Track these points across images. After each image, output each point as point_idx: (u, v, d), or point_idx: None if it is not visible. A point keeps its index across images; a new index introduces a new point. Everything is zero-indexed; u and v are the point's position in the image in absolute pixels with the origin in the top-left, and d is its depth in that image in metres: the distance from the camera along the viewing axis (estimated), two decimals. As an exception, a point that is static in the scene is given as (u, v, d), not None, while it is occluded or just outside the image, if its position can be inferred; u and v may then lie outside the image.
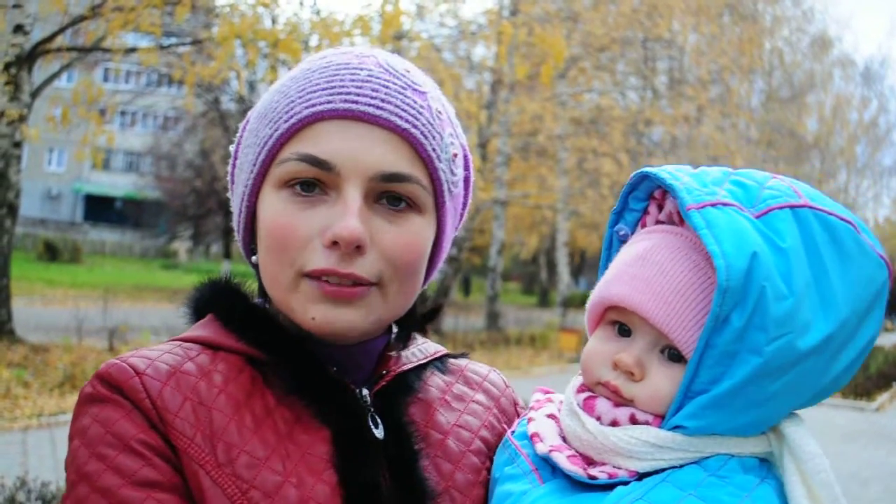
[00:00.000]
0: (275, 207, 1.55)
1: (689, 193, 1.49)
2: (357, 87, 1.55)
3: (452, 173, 1.64)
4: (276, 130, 1.56)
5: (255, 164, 1.60)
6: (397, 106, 1.55)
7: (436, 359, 1.82)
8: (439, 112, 1.63)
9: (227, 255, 46.36)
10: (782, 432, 1.52)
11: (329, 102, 1.53)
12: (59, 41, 19.92)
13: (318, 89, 1.56)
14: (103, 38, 19.79)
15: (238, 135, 1.72)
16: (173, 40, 23.96)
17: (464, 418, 1.75)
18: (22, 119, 18.71)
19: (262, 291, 1.69)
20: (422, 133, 1.56)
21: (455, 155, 1.65)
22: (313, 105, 1.54)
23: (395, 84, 1.58)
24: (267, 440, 1.50)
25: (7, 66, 17.68)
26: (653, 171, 1.59)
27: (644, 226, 1.69)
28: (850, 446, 16.54)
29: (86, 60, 23.62)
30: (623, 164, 32.47)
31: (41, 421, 13.26)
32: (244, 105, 33.25)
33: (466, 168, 1.72)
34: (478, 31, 28.19)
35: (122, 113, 65.22)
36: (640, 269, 1.56)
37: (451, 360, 1.89)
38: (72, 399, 14.87)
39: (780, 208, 1.48)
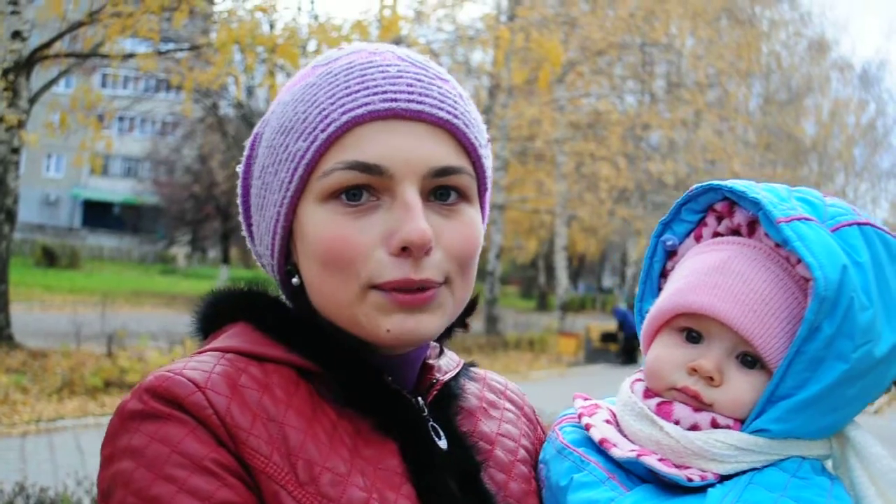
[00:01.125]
0: (324, 222, 1.47)
1: (775, 207, 1.54)
2: (392, 85, 1.49)
3: (489, 158, 1.61)
4: (313, 142, 1.48)
5: (290, 181, 1.50)
6: (435, 98, 1.50)
7: (463, 367, 1.79)
8: (467, 98, 1.60)
9: (226, 259, 46.40)
10: (847, 436, 1.59)
11: (368, 104, 1.47)
12: (57, 47, 19.92)
13: (351, 92, 1.48)
14: (101, 43, 19.79)
15: (246, 154, 1.65)
16: (171, 46, 23.93)
17: (504, 427, 1.72)
18: (20, 125, 18.71)
19: (303, 309, 1.59)
20: (463, 122, 1.53)
21: (488, 140, 1.62)
22: (350, 109, 1.47)
23: (426, 76, 1.53)
24: (343, 455, 1.43)
25: (5, 72, 17.67)
26: (726, 184, 1.64)
27: (699, 237, 1.73)
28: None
29: (84, 66, 23.65)
30: (621, 168, 32.48)
31: (39, 426, 13.25)
32: (242, 110, 33.22)
33: None
34: (475, 36, 28.20)
35: (121, 118, 65.13)
36: (721, 279, 1.60)
37: (472, 369, 1.85)
38: (70, 405, 14.89)
39: (850, 225, 1.56)
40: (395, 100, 1.47)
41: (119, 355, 18.82)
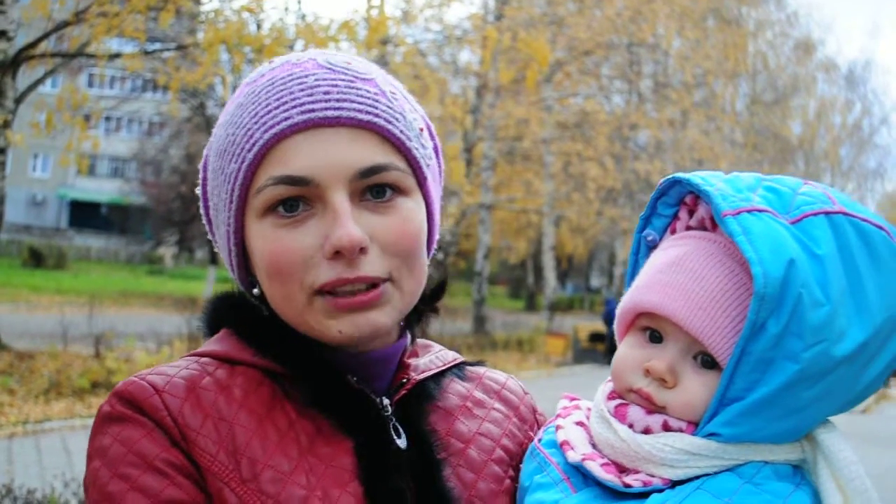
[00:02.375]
0: (266, 237, 1.53)
1: (724, 199, 1.49)
2: (309, 96, 1.52)
3: (424, 147, 1.62)
4: (242, 163, 1.53)
5: (231, 202, 1.57)
6: (353, 101, 1.53)
7: (454, 366, 1.81)
8: (393, 93, 1.60)
9: (213, 260, 46.24)
10: (816, 439, 1.52)
11: (288, 118, 1.51)
12: (44, 47, 19.86)
13: (271, 109, 1.53)
14: (87, 43, 19.73)
15: (201, 176, 1.69)
16: (158, 45, 23.88)
17: (485, 426, 1.73)
18: (6, 125, 18.64)
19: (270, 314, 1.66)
20: (385, 119, 1.54)
21: (421, 129, 1.63)
22: (272, 126, 1.51)
23: (343, 79, 1.56)
24: (290, 454, 1.49)
25: (-9, 72, 17.61)
26: (685, 177, 1.60)
27: (674, 231, 1.69)
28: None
29: (70, 66, 23.57)
30: (608, 168, 32.52)
31: (26, 428, 13.21)
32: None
33: (433, 137, 1.71)
34: (463, 36, 28.21)
35: (107, 118, 64.92)
36: (674, 276, 1.56)
37: (469, 368, 1.87)
38: (57, 406, 14.85)
39: (815, 214, 1.48)
40: (313, 110, 1.51)
41: (106, 356, 18.79)
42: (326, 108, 1.51)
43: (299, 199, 1.51)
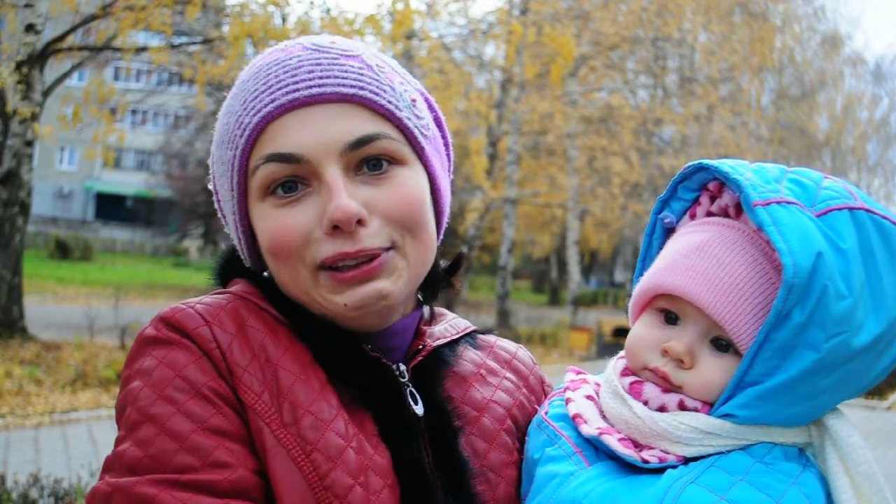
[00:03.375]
0: (266, 219, 1.56)
1: (755, 189, 1.51)
2: (292, 77, 1.55)
3: (418, 117, 1.64)
4: (236, 149, 1.57)
5: (232, 189, 1.61)
6: (336, 77, 1.56)
7: (467, 334, 1.83)
8: (380, 66, 1.63)
9: (238, 253, 46.38)
10: (825, 424, 1.56)
11: (273, 100, 1.54)
12: (71, 40, 19.98)
13: (257, 94, 1.57)
14: (114, 36, 19.85)
15: (210, 171, 1.72)
16: (184, 39, 23.99)
17: (498, 395, 1.75)
18: (34, 118, 18.78)
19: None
20: (371, 91, 1.57)
21: (413, 100, 1.65)
22: (258, 110, 1.55)
23: (327, 58, 1.59)
24: (331, 403, 1.51)
25: (19, 65, 17.74)
26: (713, 164, 1.62)
27: (693, 216, 1.71)
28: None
29: (97, 59, 23.71)
30: (633, 162, 32.43)
31: (53, 418, 13.30)
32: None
33: (432, 109, 1.73)
34: (488, 31, 28.17)
35: (133, 112, 65.36)
36: (698, 261, 1.58)
37: (481, 336, 1.89)
38: (84, 396, 14.94)
39: (840, 209, 1.52)
40: (297, 89, 1.54)
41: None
42: (311, 87, 1.54)
43: (296, 179, 1.54)
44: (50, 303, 30.16)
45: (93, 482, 8.31)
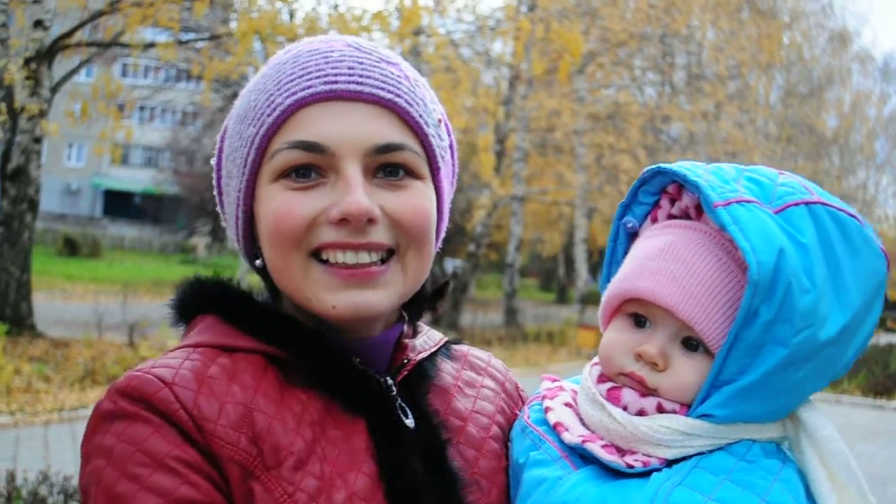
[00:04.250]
0: (274, 199, 1.53)
1: (714, 190, 1.53)
2: (333, 68, 1.54)
3: (440, 138, 1.64)
4: (261, 126, 1.55)
5: (245, 165, 1.58)
6: (376, 79, 1.55)
7: (442, 346, 1.82)
8: (416, 80, 1.63)
9: (245, 250, 46.46)
10: (799, 418, 1.59)
11: (309, 87, 1.53)
12: (79, 36, 20.02)
13: (294, 77, 1.55)
14: (122, 33, 19.90)
15: (217, 147, 1.70)
16: (192, 36, 24.02)
17: (479, 404, 1.76)
18: (42, 114, 18.82)
19: (271, 294, 1.67)
20: (406, 101, 1.56)
21: (440, 120, 1.65)
22: (294, 93, 1.53)
23: (369, 59, 1.58)
24: (307, 439, 1.48)
25: (27, 62, 17.78)
26: (671, 168, 1.63)
27: (655, 219, 1.72)
28: (869, 445, 16.45)
29: (105, 56, 23.77)
30: (641, 160, 32.35)
31: (62, 415, 13.35)
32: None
33: (449, 135, 1.72)
34: (496, 27, 28.16)
35: (141, 108, 65.30)
36: (664, 264, 1.59)
37: (454, 347, 1.89)
38: (93, 394, 14.98)
39: (797, 205, 1.54)
40: (336, 82, 1.53)
41: (140, 345, 18.94)
42: (349, 82, 1.53)
43: (312, 167, 1.53)
44: (58, 300, 30.25)
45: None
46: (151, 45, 20.80)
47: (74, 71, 22.69)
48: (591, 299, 36.98)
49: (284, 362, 1.56)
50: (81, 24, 19.62)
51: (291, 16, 22.54)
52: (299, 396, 1.52)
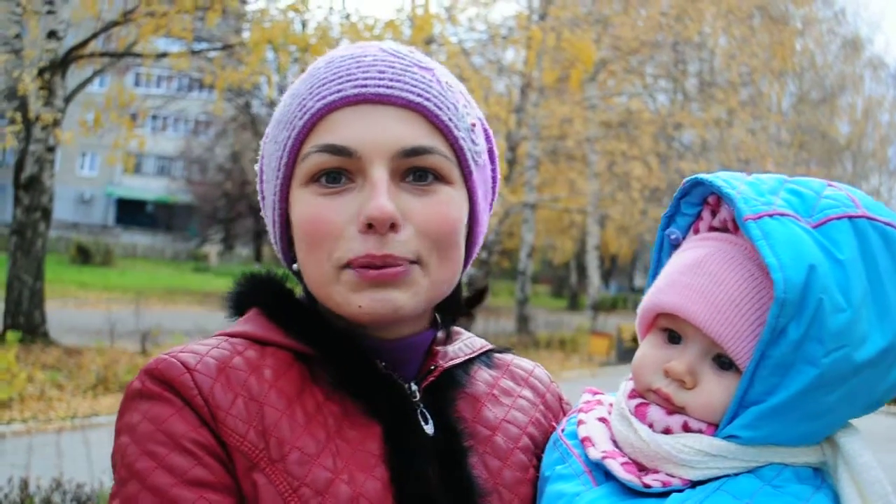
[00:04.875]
0: (305, 204, 1.56)
1: (746, 203, 1.48)
2: (363, 72, 1.56)
3: (474, 143, 1.64)
4: (293, 130, 1.57)
5: (279, 169, 1.60)
6: (406, 83, 1.56)
7: (482, 354, 1.81)
8: (449, 84, 1.64)
9: (258, 258, 46.63)
10: (837, 443, 1.52)
11: (339, 91, 1.55)
12: (92, 46, 20.13)
13: (326, 82, 1.57)
14: (135, 43, 19.98)
15: (260, 152, 1.73)
16: (204, 45, 24.07)
17: (512, 414, 1.74)
18: (56, 124, 18.90)
19: (308, 296, 1.68)
20: (435, 105, 1.57)
21: (473, 125, 1.64)
22: (324, 97, 1.55)
23: (401, 63, 1.59)
24: (317, 436, 1.50)
25: (41, 72, 17.86)
26: (707, 178, 1.59)
27: (697, 231, 1.68)
28: (890, 455, 16.35)
29: (118, 65, 23.84)
30: (653, 167, 32.32)
31: (75, 423, 13.37)
32: (275, 109, 33.29)
33: (488, 140, 1.72)
34: (507, 36, 28.17)
35: (154, 117, 65.38)
36: (694, 278, 1.56)
37: (497, 355, 1.88)
38: (105, 401, 15.01)
39: (839, 219, 1.47)
40: (366, 85, 1.55)
41: (153, 353, 18.95)
42: (379, 86, 1.55)
43: (342, 171, 1.54)
44: (71, 308, 30.32)
45: (114, 487, 8.36)
46: (164, 54, 20.87)
47: (88, 81, 22.76)
48: (602, 306, 36.97)
49: (312, 360, 1.59)
50: (95, 35, 19.71)
51: (304, 25, 22.60)
52: (317, 396, 1.55)
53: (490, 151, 1.72)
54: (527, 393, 1.82)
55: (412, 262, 1.54)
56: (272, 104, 33.49)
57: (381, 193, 1.50)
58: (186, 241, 68.79)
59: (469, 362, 1.76)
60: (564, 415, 1.84)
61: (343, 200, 1.53)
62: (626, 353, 30.93)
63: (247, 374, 1.53)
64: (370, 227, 1.50)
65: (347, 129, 1.53)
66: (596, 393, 1.78)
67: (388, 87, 1.55)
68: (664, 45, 33.58)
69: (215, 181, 54.95)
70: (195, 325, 22.80)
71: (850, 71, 55.70)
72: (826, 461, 1.52)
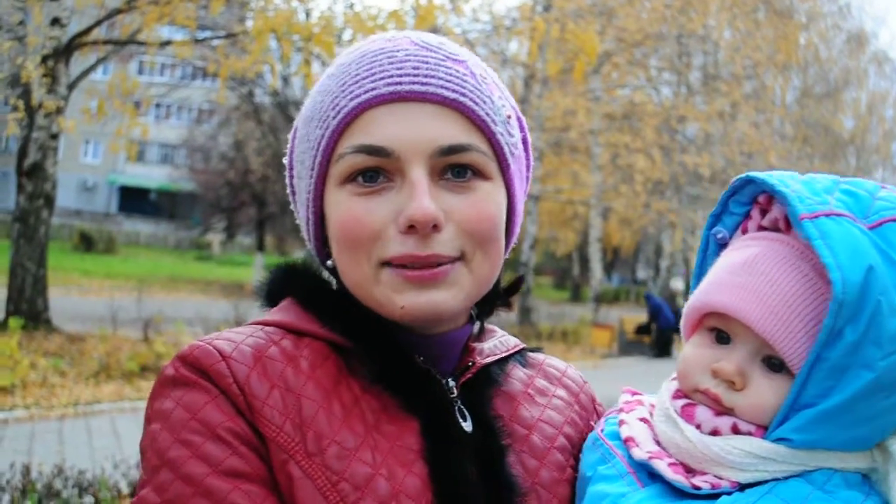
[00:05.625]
0: (342, 204, 1.52)
1: (802, 202, 1.45)
2: (397, 69, 1.52)
3: (510, 135, 1.60)
4: (326, 129, 1.54)
5: (312, 168, 1.57)
6: (441, 78, 1.52)
7: (516, 352, 1.79)
8: (483, 77, 1.60)
9: (261, 247, 46.61)
10: (888, 449, 1.48)
11: (373, 89, 1.51)
12: (96, 34, 20.12)
13: (359, 79, 1.53)
14: (139, 31, 19.96)
15: (289, 146, 1.71)
16: (208, 34, 24.07)
17: (547, 413, 1.72)
18: (59, 111, 18.90)
19: (342, 288, 1.65)
20: (471, 100, 1.53)
21: (509, 116, 1.61)
22: (357, 96, 1.51)
23: (434, 58, 1.55)
24: (356, 430, 1.47)
25: (45, 59, 17.86)
26: (760, 176, 1.56)
27: (745, 231, 1.65)
28: None
29: (121, 53, 23.81)
30: (656, 160, 32.33)
31: (77, 410, 13.38)
32: (278, 98, 33.38)
33: (522, 129, 1.68)
34: (511, 27, 28.14)
35: (157, 105, 65.35)
36: (747, 278, 1.52)
37: (531, 355, 1.85)
38: (107, 388, 15.05)
39: (894, 220, 1.45)
40: (400, 83, 1.51)
41: (155, 340, 18.97)
42: (413, 83, 1.51)
43: (379, 170, 1.51)
44: (74, 295, 30.38)
45: (116, 474, 8.38)
46: (168, 42, 20.84)
47: (91, 68, 22.74)
48: (605, 298, 37.00)
49: (348, 352, 1.56)
50: (98, 22, 19.70)
51: (307, 14, 22.58)
52: (354, 389, 1.52)
53: (524, 140, 1.69)
54: (561, 392, 1.80)
55: (457, 259, 1.52)
56: (275, 93, 33.49)
57: (422, 194, 1.47)
58: (189, 229, 68.81)
59: (504, 360, 1.74)
60: (598, 415, 1.82)
61: (381, 200, 1.50)
62: (628, 345, 30.99)
63: (283, 365, 1.50)
64: (411, 227, 1.47)
65: (383, 129, 1.50)
66: (635, 393, 1.76)
67: (423, 83, 1.51)
68: (668, 38, 33.56)
69: (218, 170, 54.76)
70: (197, 314, 22.84)
71: (855, 65, 55.59)
72: (876, 467, 1.49)
